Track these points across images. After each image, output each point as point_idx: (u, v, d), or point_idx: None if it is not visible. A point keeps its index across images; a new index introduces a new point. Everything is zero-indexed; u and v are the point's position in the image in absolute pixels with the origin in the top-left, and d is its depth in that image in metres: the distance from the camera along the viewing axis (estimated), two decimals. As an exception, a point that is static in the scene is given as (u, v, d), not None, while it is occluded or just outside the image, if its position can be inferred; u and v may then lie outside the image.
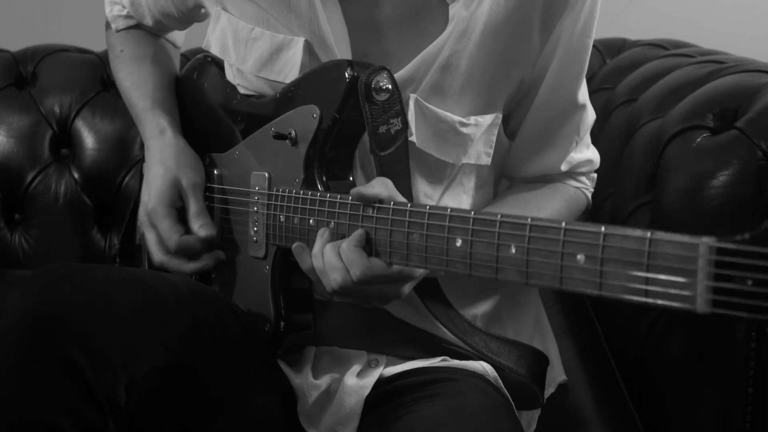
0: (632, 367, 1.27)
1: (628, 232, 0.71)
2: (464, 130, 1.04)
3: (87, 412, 0.83)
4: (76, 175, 1.67)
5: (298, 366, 1.08)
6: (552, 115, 1.10)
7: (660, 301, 0.69)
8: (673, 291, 0.68)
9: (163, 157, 1.14)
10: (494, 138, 1.07)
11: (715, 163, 1.08)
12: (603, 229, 0.73)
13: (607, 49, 1.75)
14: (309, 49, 1.04)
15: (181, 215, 1.12)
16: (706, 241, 0.66)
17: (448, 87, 1.03)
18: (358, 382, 1.03)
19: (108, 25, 1.33)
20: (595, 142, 1.22)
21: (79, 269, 0.91)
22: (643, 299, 0.70)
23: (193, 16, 1.24)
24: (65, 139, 1.68)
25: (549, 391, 1.16)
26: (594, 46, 1.71)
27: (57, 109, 1.68)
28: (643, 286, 0.70)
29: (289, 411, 1.05)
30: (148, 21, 1.27)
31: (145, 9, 1.26)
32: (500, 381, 1.05)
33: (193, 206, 1.10)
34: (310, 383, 1.05)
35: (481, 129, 1.05)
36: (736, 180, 1.05)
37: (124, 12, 1.29)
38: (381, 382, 1.04)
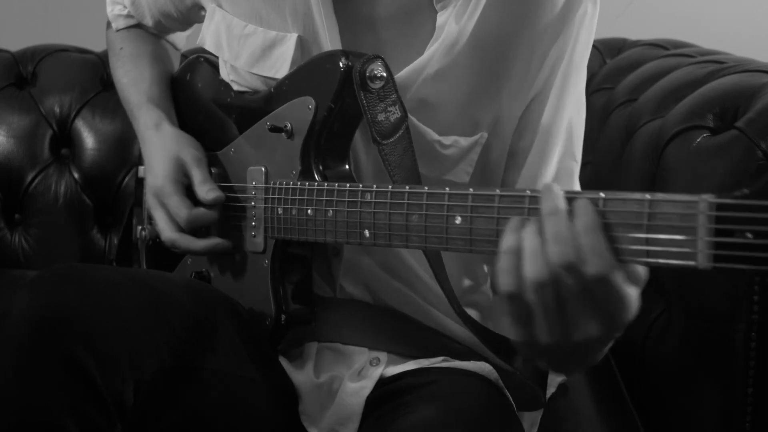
0: (632, 367, 1.27)
1: (627, 195, 0.71)
2: (444, 151, 1.04)
3: (93, 414, 0.83)
4: (76, 175, 1.67)
5: (300, 362, 1.08)
6: (548, 139, 1.07)
7: (662, 261, 0.69)
8: (674, 249, 0.69)
9: (162, 142, 1.15)
10: (476, 157, 1.06)
11: (715, 163, 1.08)
12: (602, 194, 0.72)
13: (607, 49, 1.75)
14: (301, 45, 1.05)
15: (188, 192, 1.12)
16: (706, 198, 0.67)
17: (433, 102, 1.03)
18: (359, 382, 1.03)
19: (109, 25, 1.33)
20: (596, 142, 1.22)
21: (83, 270, 0.91)
22: (644, 260, 0.70)
23: (192, 15, 1.24)
24: (65, 139, 1.68)
25: (549, 391, 1.15)
26: (594, 46, 1.72)
27: (57, 109, 1.69)
28: (644, 247, 0.70)
29: (290, 410, 1.05)
30: (149, 21, 1.28)
31: (145, 8, 1.26)
32: (501, 382, 1.05)
33: (198, 176, 1.10)
34: (311, 382, 1.05)
35: (462, 150, 1.05)
36: (735, 180, 1.05)
37: (125, 11, 1.29)
38: (382, 382, 1.03)
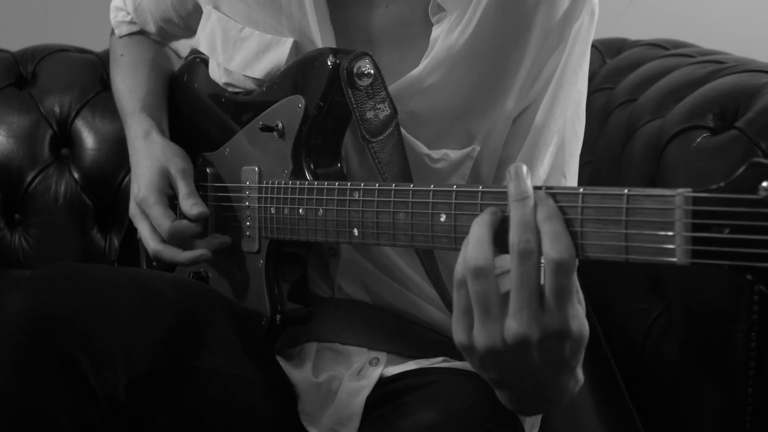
0: (632, 367, 1.27)
1: (606, 190, 0.71)
2: (434, 165, 1.03)
3: (88, 412, 0.83)
4: (76, 175, 1.67)
5: (298, 362, 1.08)
6: (534, 153, 1.06)
7: (641, 257, 0.69)
8: (652, 245, 0.68)
9: (150, 151, 1.14)
10: (467, 172, 1.06)
11: (715, 163, 1.08)
12: (582, 190, 0.72)
13: (607, 49, 1.75)
14: (296, 51, 1.05)
15: (172, 204, 1.11)
16: (682, 192, 0.66)
17: (424, 115, 1.02)
18: (358, 382, 1.03)
19: (113, 31, 1.33)
20: (596, 142, 1.22)
21: (80, 269, 0.91)
22: (624, 257, 0.70)
23: (193, 21, 1.23)
24: (65, 139, 1.68)
25: (549, 391, 1.15)
26: (594, 45, 1.72)
27: (57, 109, 1.68)
28: (623, 243, 0.70)
29: (289, 409, 1.05)
30: (151, 27, 1.28)
31: (147, 14, 1.26)
32: (501, 382, 1.05)
33: (183, 189, 1.09)
34: (310, 382, 1.05)
35: (452, 164, 1.04)
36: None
37: (128, 18, 1.30)
38: (382, 382, 1.03)
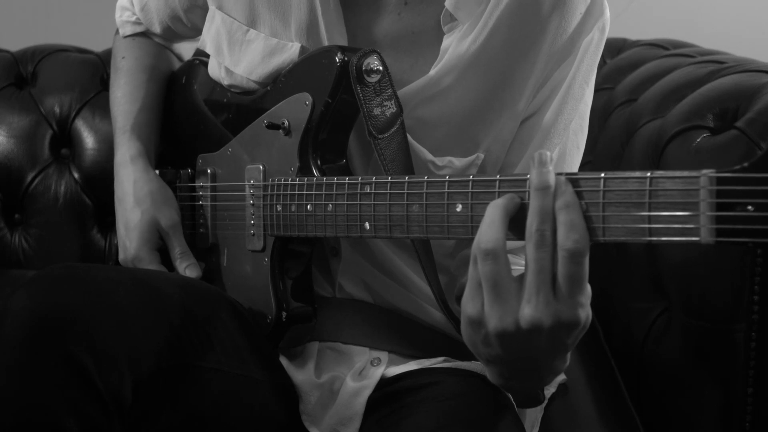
0: (632, 367, 1.27)
1: (628, 174, 0.72)
2: (438, 172, 1.04)
3: (93, 413, 0.83)
4: (76, 175, 1.67)
5: (300, 362, 1.08)
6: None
7: (664, 238, 0.70)
8: (676, 226, 0.69)
9: (138, 196, 1.15)
10: None
11: (715, 164, 1.08)
12: (603, 174, 0.73)
13: (607, 49, 1.74)
14: (304, 54, 1.05)
15: (163, 256, 1.14)
16: (706, 173, 0.67)
17: (431, 122, 1.03)
18: (360, 382, 1.03)
19: (117, 30, 1.33)
20: (595, 142, 1.22)
21: (83, 269, 0.91)
22: (647, 239, 0.71)
23: (199, 19, 1.23)
24: (65, 139, 1.68)
25: (549, 391, 1.16)
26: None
27: (57, 109, 1.69)
28: (646, 225, 0.71)
29: (291, 409, 1.05)
30: (157, 28, 1.27)
31: (154, 15, 1.25)
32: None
33: (177, 247, 1.13)
34: (312, 382, 1.05)
35: (456, 172, 1.04)
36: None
37: (134, 18, 1.29)
38: (383, 383, 1.04)
